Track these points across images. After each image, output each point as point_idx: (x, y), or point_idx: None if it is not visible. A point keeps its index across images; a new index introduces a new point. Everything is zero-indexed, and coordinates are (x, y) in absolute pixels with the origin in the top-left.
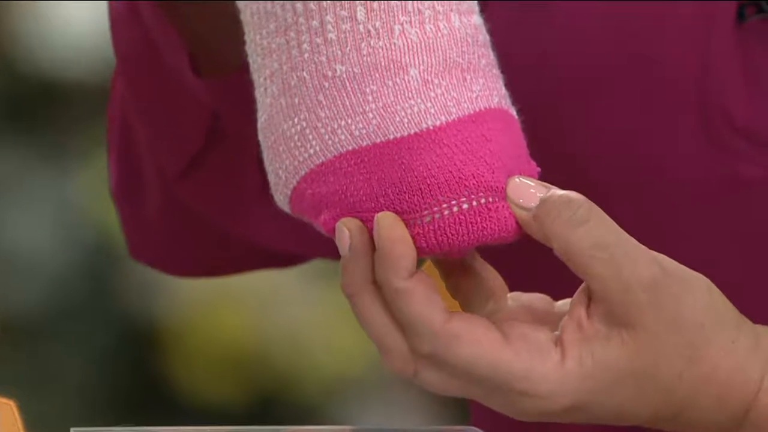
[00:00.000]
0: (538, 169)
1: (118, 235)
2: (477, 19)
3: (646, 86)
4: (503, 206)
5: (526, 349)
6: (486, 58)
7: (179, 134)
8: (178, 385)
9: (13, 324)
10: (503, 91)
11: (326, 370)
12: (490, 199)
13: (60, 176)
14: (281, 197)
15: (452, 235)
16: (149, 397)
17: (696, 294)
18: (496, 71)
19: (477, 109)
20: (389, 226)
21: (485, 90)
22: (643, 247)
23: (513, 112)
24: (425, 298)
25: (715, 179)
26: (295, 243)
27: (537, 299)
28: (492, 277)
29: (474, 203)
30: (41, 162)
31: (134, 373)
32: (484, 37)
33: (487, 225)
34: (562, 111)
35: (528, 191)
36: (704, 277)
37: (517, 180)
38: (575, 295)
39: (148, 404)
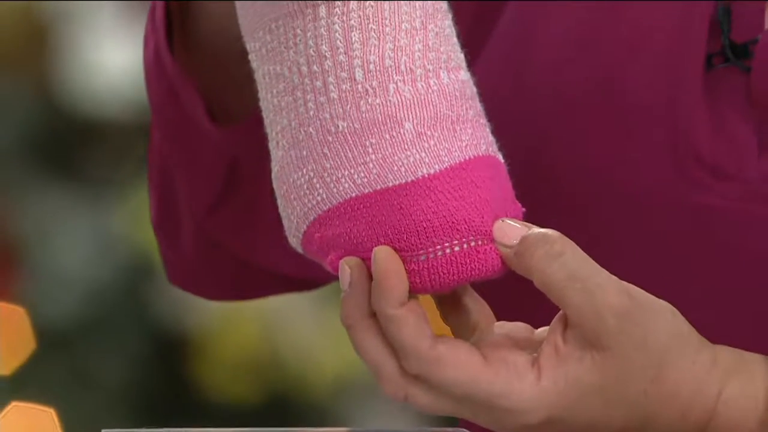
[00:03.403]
0: (523, 209)
1: (151, 256)
2: (464, 74)
3: (619, 121)
4: (490, 248)
5: (504, 370)
6: (473, 109)
7: (202, 176)
8: (202, 387)
9: (56, 336)
10: (490, 138)
11: (332, 374)
12: (479, 242)
13: (100, 206)
14: (294, 240)
15: (444, 273)
16: (177, 399)
17: (661, 321)
18: (483, 120)
19: (466, 158)
20: (385, 259)
21: (473, 139)
22: (614, 277)
23: (499, 157)
24: (414, 326)
25: (681, 208)
26: (307, 270)
27: (519, 327)
28: (481, 307)
29: (464, 246)
30: (84, 193)
31: (164, 378)
32: (471, 90)
33: (475, 266)
34: (540, 141)
35: (511, 231)
36: (668, 304)
37: (501, 222)
38: (553, 322)
39: (176, 405)
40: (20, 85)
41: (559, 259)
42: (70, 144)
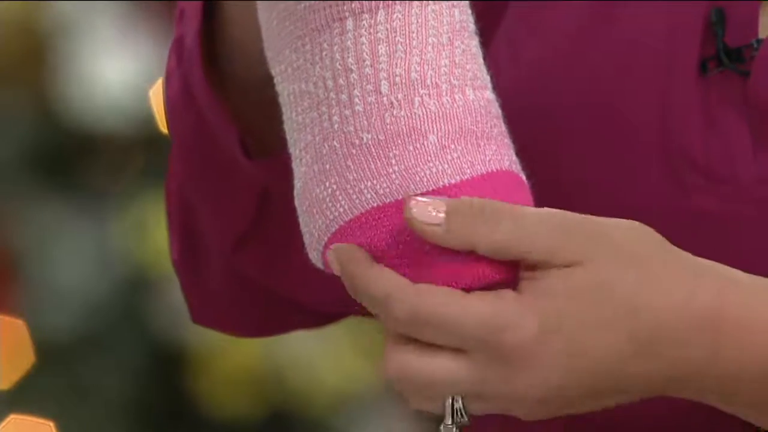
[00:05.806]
0: None
1: (150, 270)
2: (490, 94)
3: (613, 126)
4: None
5: (487, 294)
6: (498, 128)
7: (232, 210)
8: (203, 402)
9: (55, 349)
10: (514, 157)
11: (333, 389)
12: None
13: (99, 219)
14: (314, 254)
15: (463, 273)
16: (177, 413)
17: (621, 224)
18: (508, 141)
19: (489, 170)
20: (345, 249)
21: (497, 155)
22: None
23: (523, 176)
24: (391, 272)
25: (676, 211)
26: (338, 303)
27: None
28: None
29: None
30: (83, 206)
31: (164, 392)
32: (496, 109)
33: (491, 269)
34: (541, 143)
35: (428, 209)
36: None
37: (414, 201)
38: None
39: (175, 419)
40: (19, 98)
41: (501, 222)
42: (68, 157)
